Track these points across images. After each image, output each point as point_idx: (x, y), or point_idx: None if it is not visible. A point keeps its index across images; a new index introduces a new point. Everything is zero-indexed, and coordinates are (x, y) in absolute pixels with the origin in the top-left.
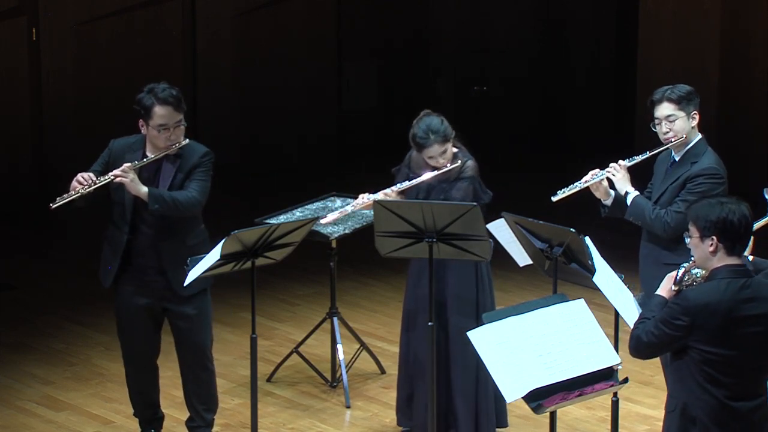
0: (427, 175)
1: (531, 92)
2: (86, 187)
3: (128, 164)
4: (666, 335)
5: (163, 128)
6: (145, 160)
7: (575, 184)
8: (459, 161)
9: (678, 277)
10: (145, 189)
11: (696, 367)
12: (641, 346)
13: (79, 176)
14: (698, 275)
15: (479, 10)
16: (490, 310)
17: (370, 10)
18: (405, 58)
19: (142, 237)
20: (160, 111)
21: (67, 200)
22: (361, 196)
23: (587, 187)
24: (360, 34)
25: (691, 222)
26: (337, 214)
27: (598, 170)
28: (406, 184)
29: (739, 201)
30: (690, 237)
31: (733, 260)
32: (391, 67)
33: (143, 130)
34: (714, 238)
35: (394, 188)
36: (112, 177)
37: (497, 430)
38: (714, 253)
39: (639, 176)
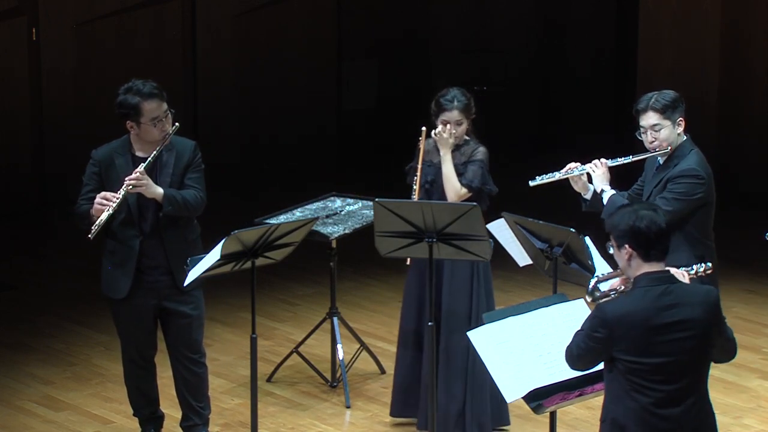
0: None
1: (531, 92)
2: (112, 205)
3: (140, 169)
4: (590, 348)
5: (157, 120)
6: (150, 158)
7: (554, 173)
8: (471, 143)
9: (590, 288)
10: (161, 190)
11: (623, 377)
12: (573, 358)
13: (99, 198)
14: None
15: (479, 10)
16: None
17: (370, 10)
18: (405, 58)
19: (148, 238)
20: (149, 105)
21: (102, 225)
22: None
23: (567, 179)
24: (359, 34)
25: (609, 234)
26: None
27: (578, 164)
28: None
29: (651, 206)
30: (612, 248)
31: (651, 267)
32: (390, 67)
33: (133, 131)
34: (627, 246)
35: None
36: (130, 186)
37: (501, 428)
38: (629, 260)
39: (625, 178)
